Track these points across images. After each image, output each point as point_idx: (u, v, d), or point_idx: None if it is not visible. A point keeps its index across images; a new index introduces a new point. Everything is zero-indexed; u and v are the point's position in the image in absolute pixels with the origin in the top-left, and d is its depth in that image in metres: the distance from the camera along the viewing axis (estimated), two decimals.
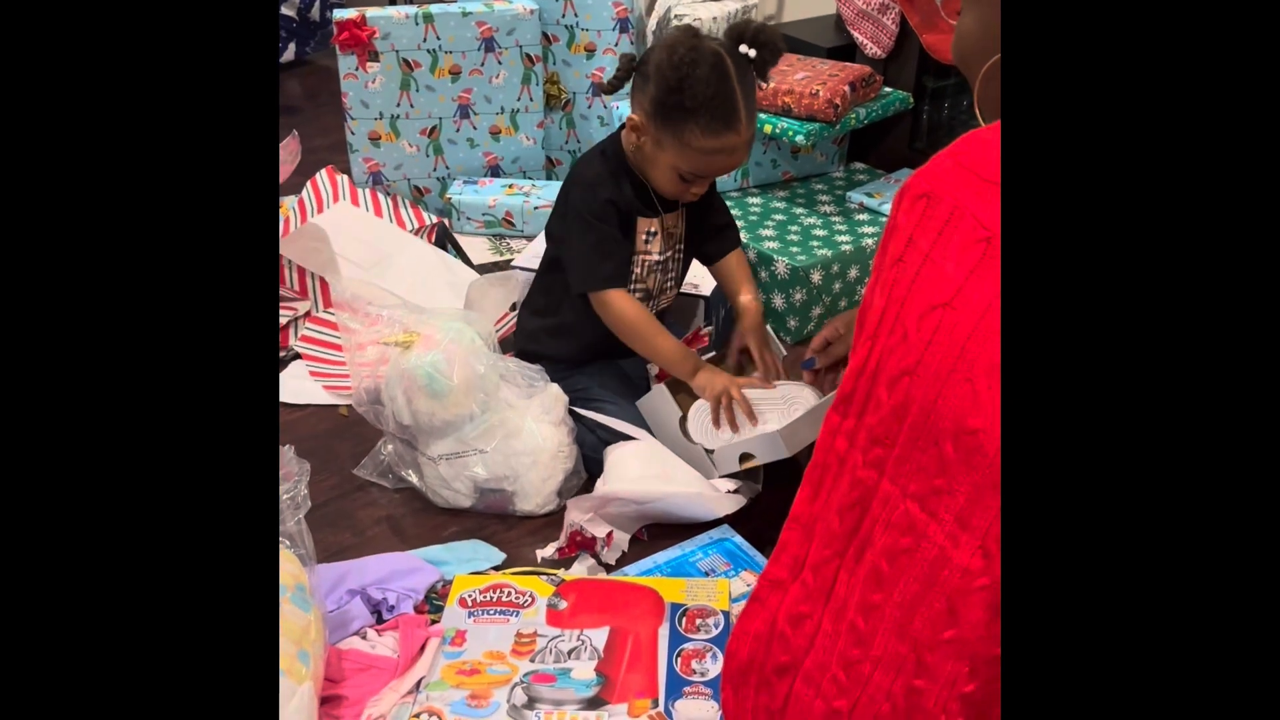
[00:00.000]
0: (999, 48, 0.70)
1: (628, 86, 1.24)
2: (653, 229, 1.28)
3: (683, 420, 1.27)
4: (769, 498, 1.27)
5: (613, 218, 1.23)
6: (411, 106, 1.85)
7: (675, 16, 2.07)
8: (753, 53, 1.17)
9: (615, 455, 1.24)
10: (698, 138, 1.16)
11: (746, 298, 1.33)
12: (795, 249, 1.65)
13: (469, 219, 1.84)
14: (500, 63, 1.85)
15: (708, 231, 1.36)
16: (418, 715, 0.94)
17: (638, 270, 1.30)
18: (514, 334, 1.44)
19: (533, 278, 1.42)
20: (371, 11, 1.78)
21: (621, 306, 1.24)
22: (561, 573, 1.14)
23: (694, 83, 1.13)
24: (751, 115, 1.17)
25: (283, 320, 1.57)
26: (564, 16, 1.90)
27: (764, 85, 1.23)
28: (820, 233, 1.71)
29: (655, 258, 1.30)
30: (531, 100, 1.90)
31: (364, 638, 1.04)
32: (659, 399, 1.28)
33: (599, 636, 1.02)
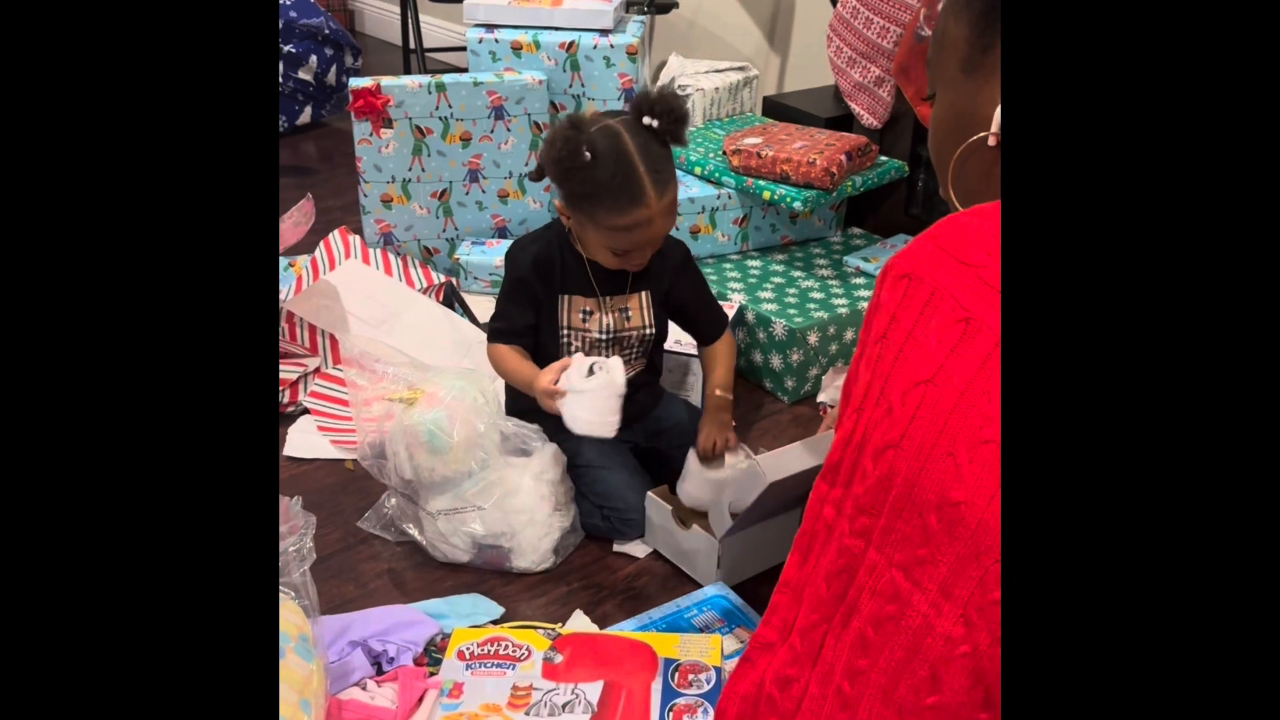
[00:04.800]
0: (970, 133, 0.74)
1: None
2: (588, 308, 1.32)
3: (676, 488, 1.29)
4: (765, 555, 1.29)
5: (520, 292, 1.31)
6: (423, 170, 1.91)
7: (679, 87, 2.15)
8: (655, 123, 1.20)
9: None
10: (607, 217, 1.21)
11: (713, 390, 1.38)
12: (793, 311, 1.70)
13: (476, 278, 1.89)
14: (509, 130, 1.91)
15: (693, 323, 1.42)
16: None
17: (576, 344, 1.33)
18: (505, 396, 1.44)
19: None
20: (386, 80, 1.85)
21: (495, 354, 1.33)
22: (558, 627, 1.17)
23: (580, 171, 1.17)
24: (661, 184, 1.19)
25: (293, 376, 1.61)
26: (571, 86, 1.97)
27: (680, 145, 1.28)
28: (817, 295, 1.76)
29: (596, 335, 1.33)
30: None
31: (364, 688, 1.06)
32: (651, 504, 1.32)
33: (593, 690, 1.04)
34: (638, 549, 1.35)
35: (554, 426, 1.36)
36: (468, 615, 1.20)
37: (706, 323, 1.42)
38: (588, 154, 1.17)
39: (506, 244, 1.92)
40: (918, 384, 0.67)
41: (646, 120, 1.20)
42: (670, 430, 1.42)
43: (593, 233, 1.25)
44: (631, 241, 1.23)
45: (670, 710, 1.03)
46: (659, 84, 2.19)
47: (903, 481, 0.67)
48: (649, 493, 1.31)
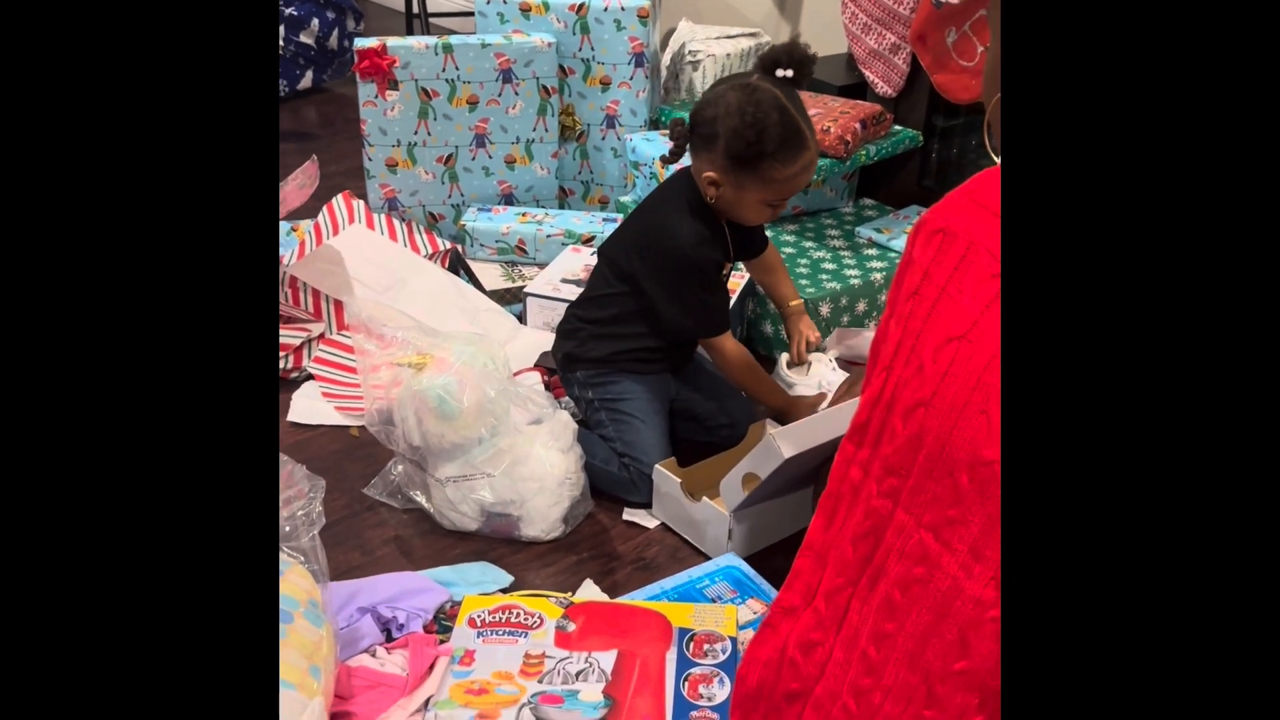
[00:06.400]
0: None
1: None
2: (727, 271, 1.38)
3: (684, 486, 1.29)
4: (776, 528, 1.28)
5: (715, 272, 1.33)
6: (429, 134, 1.88)
7: (690, 52, 2.11)
8: (790, 73, 1.26)
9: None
10: (780, 170, 1.25)
11: (788, 301, 1.51)
12: (805, 282, 1.67)
13: (482, 245, 1.86)
14: (517, 94, 1.88)
15: (749, 241, 1.46)
16: None
17: None
18: (557, 335, 1.44)
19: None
20: (392, 41, 1.81)
21: (735, 348, 1.36)
22: (570, 595, 1.15)
23: (767, 131, 1.22)
24: (810, 127, 1.27)
25: (296, 341, 1.59)
26: (580, 50, 1.94)
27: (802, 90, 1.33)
28: (829, 266, 1.73)
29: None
30: (546, 131, 1.93)
31: (374, 655, 1.04)
32: (661, 478, 1.31)
33: (607, 659, 1.03)
34: (647, 519, 1.33)
35: (593, 372, 1.38)
36: (476, 583, 1.18)
37: (760, 237, 1.47)
38: (771, 114, 1.22)
39: (512, 211, 1.90)
40: (951, 340, 0.65)
41: (780, 72, 1.26)
42: (720, 412, 1.44)
43: (756, 191, 1.27)
44: (795, 187, 1.29)
45: (686, 680, 1.01)
46: (670, 53, 2.15)
47: (933, 440, 0.66)
48: (657, 465, 1.30)
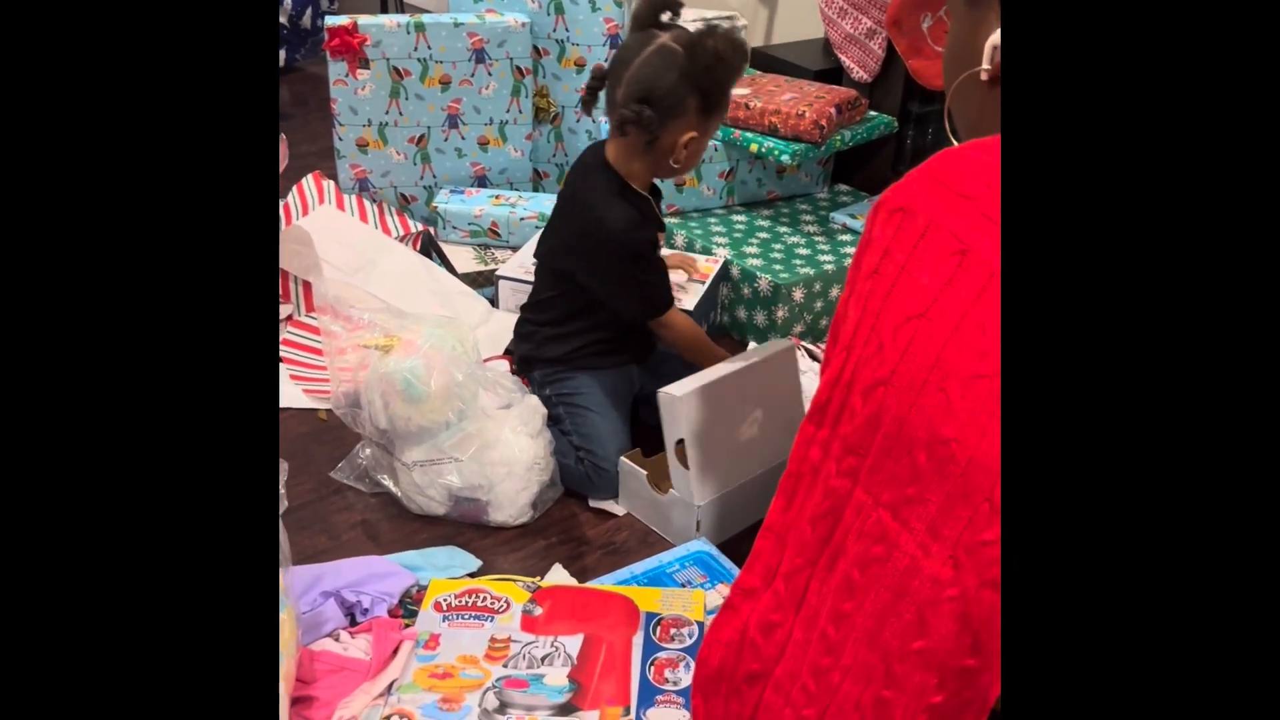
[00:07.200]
0: (969, 65, 0.72)
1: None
2: (659, 241, 1.35)
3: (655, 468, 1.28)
4: (746, 512, 1.28)
5: (651, 251, 1.32)
6: (400, 114, 1.86)
7: None
8: (669, 15, 1.28)
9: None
10: (727, 100, 1.29)
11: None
12: (778, 267, 1.67)
13: (455, 228, 1.85)
14: (490, 74, 1.86)
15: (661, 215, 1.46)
16: (389, 718, 0.94)
17: None
18: (514, 336, 1.44)
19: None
20: (363, 19, 1.79)
21: (683, 321, 1.36)
22: (537, 579, 1.15)
23: (730, 61, 1.24)
24: None
25: None
26: (555, 30, 1.92)
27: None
28: (803, 251, 1.73)
29: None
30: (520, 112, 1.91)
31: (337, 640, 1.04)
32: (626, 469, 1.30)
33: (573, 643, 1.03)
34: (615, 506, 1.32)
35: (548, 371, 1.36)
36: (444, 568, 1.18)
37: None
38: (721, 49, 1.23)
39: (485, 193, 1.89)
40: (910, 319, 0.65)
41: (665, 17, 1.28)
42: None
43: (717, 122, 1.29)
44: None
45: (652, 664, 1.01)
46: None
47: (892, 419, 0.65)
48: (623, 457, 1.29)
